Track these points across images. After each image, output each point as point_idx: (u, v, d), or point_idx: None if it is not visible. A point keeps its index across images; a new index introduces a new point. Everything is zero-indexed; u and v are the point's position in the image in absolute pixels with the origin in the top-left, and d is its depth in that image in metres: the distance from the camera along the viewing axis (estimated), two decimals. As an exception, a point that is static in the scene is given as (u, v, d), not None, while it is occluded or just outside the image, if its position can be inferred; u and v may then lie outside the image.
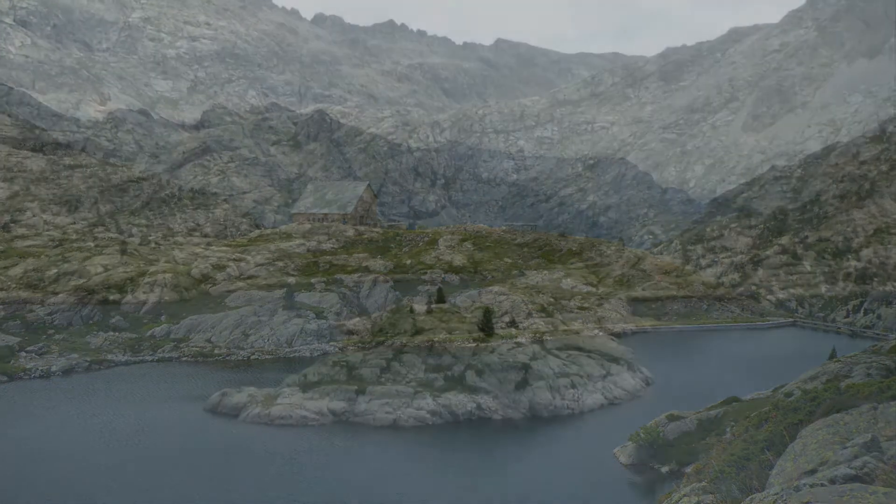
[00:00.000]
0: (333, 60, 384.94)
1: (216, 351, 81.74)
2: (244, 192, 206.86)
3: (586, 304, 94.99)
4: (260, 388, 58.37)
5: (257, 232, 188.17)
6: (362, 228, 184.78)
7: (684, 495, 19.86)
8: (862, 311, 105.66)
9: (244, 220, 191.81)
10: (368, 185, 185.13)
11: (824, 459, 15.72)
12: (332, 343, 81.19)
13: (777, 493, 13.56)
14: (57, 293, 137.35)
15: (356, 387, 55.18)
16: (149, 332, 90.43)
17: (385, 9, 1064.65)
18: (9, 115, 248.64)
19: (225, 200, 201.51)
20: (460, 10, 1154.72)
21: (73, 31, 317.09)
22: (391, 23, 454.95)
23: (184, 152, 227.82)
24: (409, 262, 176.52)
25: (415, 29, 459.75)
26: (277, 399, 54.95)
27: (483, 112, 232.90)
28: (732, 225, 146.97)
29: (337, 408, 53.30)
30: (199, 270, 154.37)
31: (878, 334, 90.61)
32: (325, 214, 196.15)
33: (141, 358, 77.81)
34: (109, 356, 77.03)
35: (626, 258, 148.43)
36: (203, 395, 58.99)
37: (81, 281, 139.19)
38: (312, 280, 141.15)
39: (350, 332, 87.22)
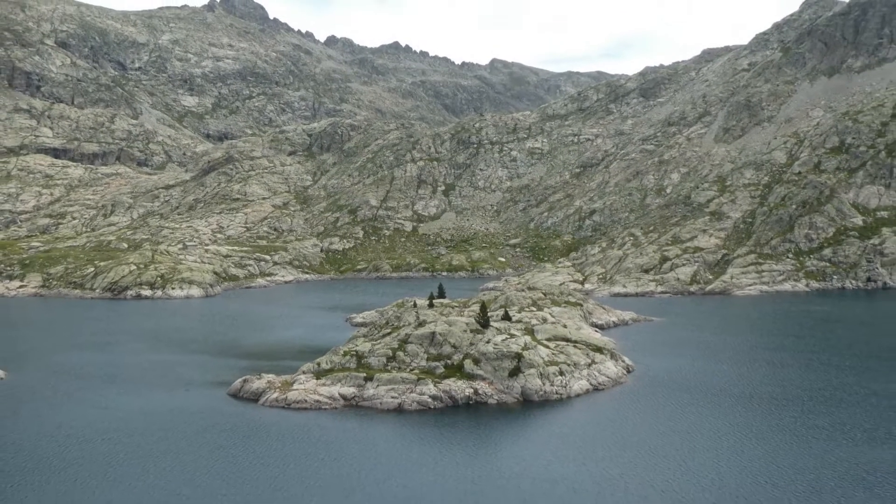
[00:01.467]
0: (344, 78, 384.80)
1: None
2: (263, 198, 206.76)
3: (573, 299, 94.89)
4: (278, 374, 58.37)
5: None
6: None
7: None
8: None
9: (263, 223, 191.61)
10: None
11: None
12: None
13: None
14: (94, 289, 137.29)
15: (365, 374, 55.15)
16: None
17: (391, 31, 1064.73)
18: (51, 129, 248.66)
19: (246, 205, 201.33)
20: (459, 32, 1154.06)
21: (108, 52, 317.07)
22: (396, 44, 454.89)
23: (209, 161, 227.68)
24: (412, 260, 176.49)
25: (418, 50, 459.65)
26: (294, 385, 54.93)
27: (480, 125, 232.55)
28: (705, 227, 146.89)
29: (347, 393, 53.27)
30: (224, 269, 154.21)
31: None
32: (337, 218, 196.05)
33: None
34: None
35: (610, 257, 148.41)
36: (226, 381, 58.99)
37: (117, 278, 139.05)
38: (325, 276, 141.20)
39: (360, 324, 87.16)
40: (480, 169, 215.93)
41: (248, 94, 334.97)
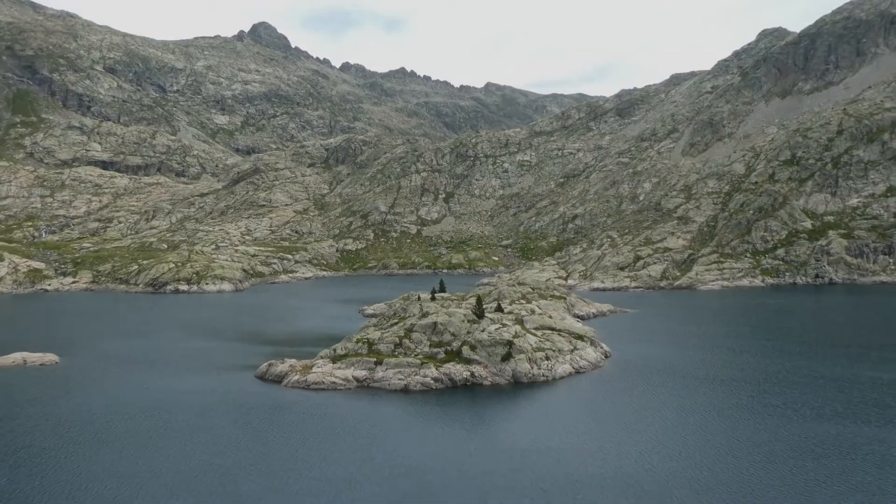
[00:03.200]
0: (357, 100, 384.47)
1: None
2: (286, 205, 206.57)
3: (557, 293, 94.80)
4: (299, 359, 58.32)
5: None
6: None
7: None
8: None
9: (286, 227, 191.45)
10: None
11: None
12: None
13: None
14: (137, 284, 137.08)
15: (375, 359, 55.12)
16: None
17: (398, 58, 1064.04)
18: (99, 144, 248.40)
19: (270, 211, 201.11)
20: (458, 59, 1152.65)
21: (150, 76, 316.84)
22: (403, 69, 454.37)
23: (238, 172, 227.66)
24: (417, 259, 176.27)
25: (421, 74, 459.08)
26: (313, 368, 54.88)
27: (475, 141, 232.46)
28: (673, 230, 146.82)
29: (360, 376, 53.25)
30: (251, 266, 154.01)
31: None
32: (351, 222, 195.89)
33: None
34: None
35: (590, 257, 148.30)
36: (253, 365, 58.96)
37: (158, 275, 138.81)
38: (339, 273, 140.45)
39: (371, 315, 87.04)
40: (476, 179, 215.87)
41: (272, 114, 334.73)
